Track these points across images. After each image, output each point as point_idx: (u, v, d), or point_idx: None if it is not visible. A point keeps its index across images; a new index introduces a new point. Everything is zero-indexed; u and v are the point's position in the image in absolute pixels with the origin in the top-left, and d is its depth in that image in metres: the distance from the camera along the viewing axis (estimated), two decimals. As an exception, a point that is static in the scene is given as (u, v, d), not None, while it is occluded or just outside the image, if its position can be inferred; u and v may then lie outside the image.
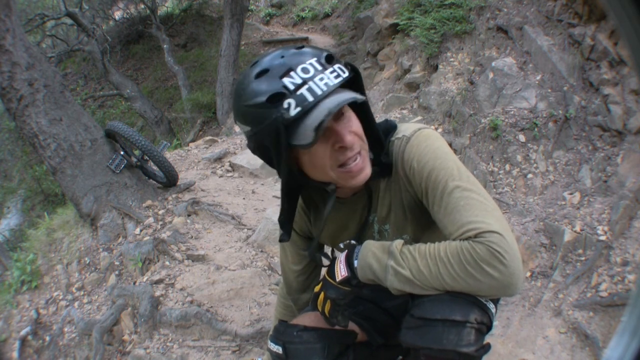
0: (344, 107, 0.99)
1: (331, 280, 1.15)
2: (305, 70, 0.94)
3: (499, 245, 0.94)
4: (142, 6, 9.99)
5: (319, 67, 0.95)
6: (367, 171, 1.05)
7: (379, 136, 1.10)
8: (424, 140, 1.11)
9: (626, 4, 0.59)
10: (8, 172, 8.58)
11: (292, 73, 0.94)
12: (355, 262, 1.11)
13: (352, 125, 1.02)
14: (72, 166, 3.26)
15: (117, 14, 10.92)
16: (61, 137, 3.21)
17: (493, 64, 3.40)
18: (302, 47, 1.01)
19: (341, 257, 1.16)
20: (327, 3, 9.55)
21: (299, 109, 0.92)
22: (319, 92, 0.92)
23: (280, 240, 1.25)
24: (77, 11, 8.45)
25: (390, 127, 1.17)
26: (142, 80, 10.22)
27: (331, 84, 0.94)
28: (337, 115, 0.99)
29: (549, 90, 3.09)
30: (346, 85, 0.99)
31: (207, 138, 5.43)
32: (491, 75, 3.35)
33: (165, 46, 8.87)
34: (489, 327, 1.11)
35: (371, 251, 1.09)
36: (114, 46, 9.87)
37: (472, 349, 1.04)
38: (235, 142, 4.95)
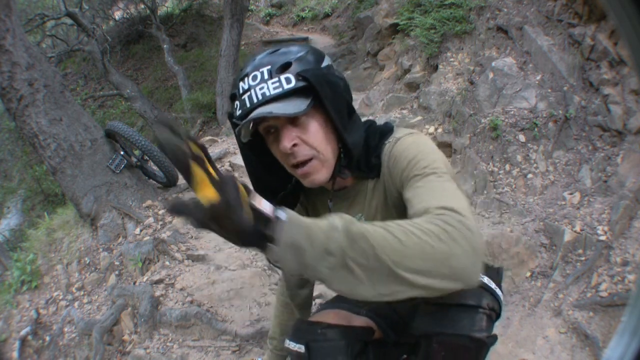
0: (297, 115, 1.02)
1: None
2: (254, 78, 1.03)
3: (469, 224, 0.81)
4: (142, 6, 9.99)
5: (266, 76, 1.02)
6: (318, 177, 1.08)
7: (346, 144, 1.09)
8: (410, 140, 1.12)
9: (626, 4, 0.59)
10: (8, 172, 8.58)
11: (245, 78, 1.04)
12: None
13: (306, 131, 1.04)
14: (72, 166, 3.26)
15: (117, 14, 10.92)
16: (61, 137, 3.21)
17: (493, 64, 3.40)
18: (277, 50, 1.08)
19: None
20: (327, 3, 9.55)
21: (240, 111, 1.04)
22: (255, 100, 1.01)
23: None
24: (77, 11, 8.45)
25: (386, 130, 1.18)
26: (142, 80, 10.21)
27: (267, 94, 1.01)
28: (291, 120, 1.04)
29: (549, 90, 3.09)
30: (306, 93, 1.02)
31: (207, 138, 5.43)
32: (491, 75, 3.35)
33: (165, 46, 8.86)
34: (498, 314, 1.13)
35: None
36: (114, 46, 9.87)
37: (484, 335, 1.07)
38: (235, 142, 4.95)
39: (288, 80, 1.01)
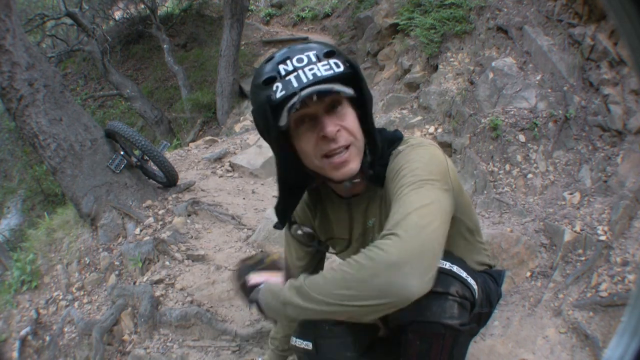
0: (340, 101, 1.04)
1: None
2: (299, 60, 1.01)
3: (396, 242, 0.93)
4: (142, 6, 9.98)
5: (314, 59, 1.01)
6: (353, 166, 1.08)
7: (375, 138, 1.12)
8: (413, 150, 1.13)
9: (626, 4, 0.59)
10: (8, 172, 8.58)
11: (287, 61, 1.02)
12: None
13: (344, 119, 1.06)
14: (72, 166, 3.26)
15: (117, 14, 10.92)
16: (61, 137, 3.21)
17: (493, 64, 3.40)
18: (316, 42, 1.08)
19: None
20: (327, 3, 9.54)
21: (283, 92, 1.00)
22: (304, 80, 0.99)
23: (275, 227, 1.32)
24: (77, 11, 8.45)
25: (395, 138, 1.19)
26: (142, 80, 10.21)
27: (319, 74, 1.00)
28: (329, 107, 1.04)
29: (549, 90, 3.09)
30: (345, 82, 1.03)
31: (207, 138, 5.43)
32: (491, 75, 3.35)
33: (165, 46, 8.86)
34: (473, 304, 1.13)
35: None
36: (114, 46, 9.86)
37: (456, 322, 1.07)
38: (235, 142, 4.95)
39: (337, 65, 1.02)
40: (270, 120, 1.03)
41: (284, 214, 1.29)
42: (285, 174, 1.17)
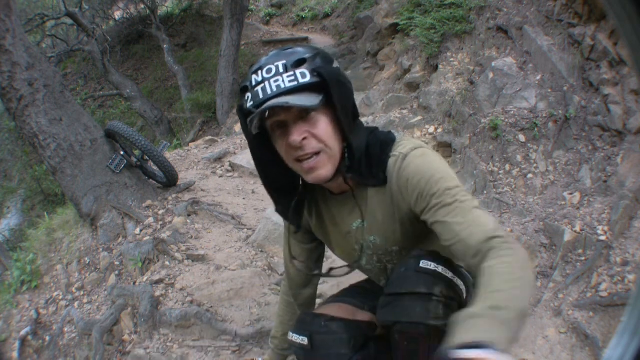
0: (313, 109, 1.06)
1: None
2: (269, 71, 1.05)
3: (510, 239, 1.03)
4: (142, 6, 9.97)
5: (281, 70, 1.05)
6: (322, 172, 1.10)
7: (350, 144, 1.13)
8: (419, 156, 1.14)
9: (626, 4, 0.59)
10: (8, 172, 8.58)
11: (259, 71, 1.07)
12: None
13: (315, 127, 1.07)
14: (72, 166, 3.26)
15: (117, 14, 10.91)
16: (61, 137, 3.21)
17: (493, 64, 3.40)
18: (289, 48, 1.11)
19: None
20: (327, 3, 9.54)
21: (252, 102, 1.06)
22: (268, 92, 1.03)
23: (292, 224, 1.34)
24: (77, 11, 8.44)
25: (389, 140, 1.19)
26: (142, 80, 10.21)
27: (282, 86, 1.03)
28: (302, 115, 1.06)
29: (549, 90, 3.09)
30: (315, 89, 1.05)
31: (207, 138, 5.43)
32: (491, 75, 3.35)
33: (165, 46, 8.86)
34: (461, 305, 1.13)
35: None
36: (114, 46, 9.85)
37: (441, 323, 1.07)
38: (235, 142, 4.95)
39: (303, 75, 1.04)
40: (244, 125, 1.10)
41: (285, 214, 1.29)
42: (267, 175, 1.22)
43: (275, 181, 1.23)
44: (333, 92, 1.06)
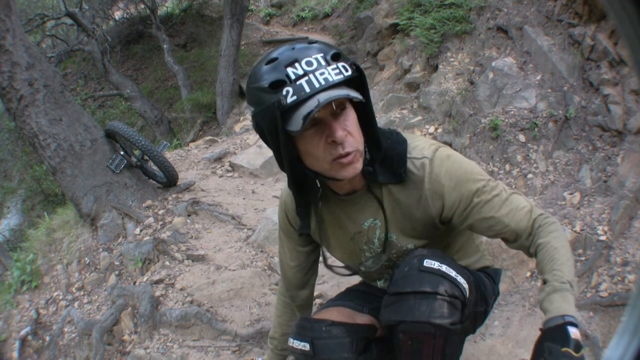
0: (344, 104, 1.04)
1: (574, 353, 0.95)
2: (309, 64, 0.99)
3: (549, 214, 1.21)
4: (142, 6, 9.98)
5: (323, 63, 1.00)
6: (358, 166, 1.09)
7: (378, 140, 1.13)
8: (446, 159, 1.17)
9: (626, 4, 0.59)
10: (8, 172, 8.58)
11: (296, 64, 0.99)
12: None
13: (347, 123, 1.05)
14: (72, 166, 3.26)
15: (117, 14, 10.91)
16: (61, 137, 3.21)
17: (493, 64, 3.40)
18: (315, 42, 1.06)
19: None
20: (327, 3, 9.54)
21: (294, 97, 0.98)
22: (317, 85, 0.97)
23: (300, 233, 1.35)
24: (77, 11, 8.44)
25: (399, 139, 1.20)
26: (142, 80, 10.21)
27: (330, 79, 0.98)
28: (335, 111, 1.03)
29: (549, 90, 3.09)
30: (349, 85, 1.03)
31: (207, 138, 5.43)
32: (491, 75, 3.35)
33: (165, 46, 8.86)
34: (464, 304, 1.13)
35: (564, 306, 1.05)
36: (114, 46, 9.86)
37: (446, 322, 1.07)
38: (235, 142, 4.95)
39: (345, 69, 1.01)
40: (279, 125, 1.00)
41: (303, 217, 1.31)
42: (294, 176, 1.17)
43: (298, 182, 1.19)
44: (367, 88, 1.06)
